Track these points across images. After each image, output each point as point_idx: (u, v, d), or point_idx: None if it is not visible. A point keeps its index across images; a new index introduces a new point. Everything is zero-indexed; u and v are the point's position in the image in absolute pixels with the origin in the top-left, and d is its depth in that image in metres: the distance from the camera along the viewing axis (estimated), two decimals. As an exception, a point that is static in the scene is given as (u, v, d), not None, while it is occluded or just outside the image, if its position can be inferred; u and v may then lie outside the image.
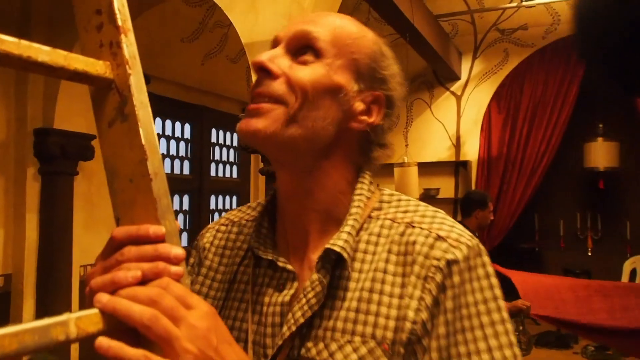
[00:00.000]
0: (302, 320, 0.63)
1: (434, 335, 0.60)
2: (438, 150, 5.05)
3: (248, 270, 0.72)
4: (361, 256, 0.66)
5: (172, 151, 4.52)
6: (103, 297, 0.47)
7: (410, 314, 0.60)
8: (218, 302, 0.71)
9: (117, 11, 0.56)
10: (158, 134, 4.36)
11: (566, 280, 3.68)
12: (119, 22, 0.56)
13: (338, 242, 0.64)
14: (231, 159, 5.22)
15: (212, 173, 4.90)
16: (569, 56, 4.33)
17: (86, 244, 3.56)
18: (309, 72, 0.65)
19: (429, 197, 4.96)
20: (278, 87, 0.64)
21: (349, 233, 0.65)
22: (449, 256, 0.61)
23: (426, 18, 3.85)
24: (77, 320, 0.43)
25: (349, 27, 0.69)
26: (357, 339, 0.61)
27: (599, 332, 2.83)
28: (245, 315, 0.69)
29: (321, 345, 0.62)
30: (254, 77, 2.20)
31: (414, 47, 3.96)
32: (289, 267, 0.68)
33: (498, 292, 0.62)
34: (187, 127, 4.65)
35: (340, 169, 0.69)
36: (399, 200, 0.71)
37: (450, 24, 4.70)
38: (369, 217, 0.69)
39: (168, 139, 4.48)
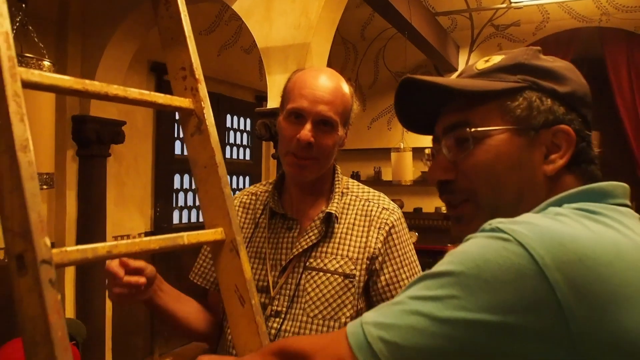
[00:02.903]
0: (306, 246, 1.12)
1: (385, 259, 1.11)
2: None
3: (265, 221, 1.20)
4: (343, 215, 1.16)
5: (191, 136, 4.94)
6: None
7: (371, 243, 1.11)
8: (245, 238, 1.16)
9: (195, 69, 0.98)
10: (178, 120, 4.79)
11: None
12: (197, 76, 0.98)
13: (332, 207, 1.14)
14: (244, 142, 5.65)
15: (227, 155, 5.32)
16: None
17: (117, 218, 3.99)
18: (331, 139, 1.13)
19: (425, 179, 5.36)
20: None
21: (337, 203, 1.15)
22: (391, 218, 1.14)
23: (424, 16, 4.20)
24: (186, 236, 0.86)
25: (347, 98, 1.14)
26: (339, 257, 1.11)
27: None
28: (264, 244, 1.16)
29: (318, 260, 1.12)
30: (266, 68, 2.60)
31: (413, 43, 4.33)
32: (294, 217, 1.17)
33: (406, 236, 1.17)
34: (205, 113, 5.05)
35: (328, 170, 1.19)
36: (358, 186, 1.23)
37: (449, 18, 5.04)
38: (342, 193, 1.18)
39: (187, 124, 4.89)
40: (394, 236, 1.14)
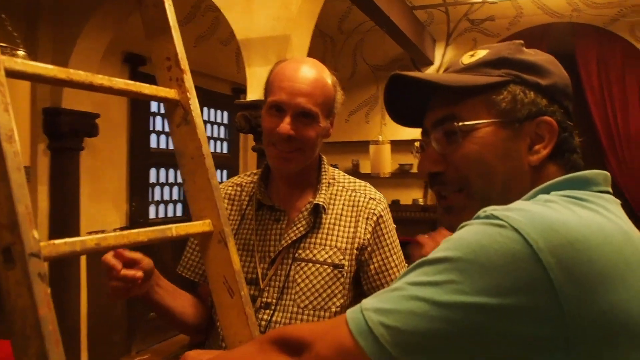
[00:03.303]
0: (294, 238, 1.13)
1: (374, 248, 1.13)
2: (412, 129, 5.47)
3: (251, 212, 1.20)
4: (329, 206, 1.16)
5: (167, 128, 4.88)
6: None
7: (360, 233, 1.12)
8: (232, 230, 1.14)
9: (180, 59, 0.96)
10: (154, 113, 4.72)
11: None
12: (182, 66, 0.96)
13: (320, 198, 1.14)
14: (222, 135, 5.60)
15: (204, 149, 5.26)
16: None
17: (91, 213, 3.91)
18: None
19: (403, 172, 5.41)
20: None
21: (324, 194, 1.16)
22: (378, 208, 1.15)
23: (401, 10, 4.22)
24: (175, 228, 0.85)
25: (329, 88, 1.13)
26: (327, 247, 1.11)
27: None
28: (251, 236, 1.16)
29: (307, 251, 1.12)
30: (245, 60, 2.57)
31: (391, 37, 4.35)
32: (282, 208, 1.17)
33: (392, 225, 1.19)
34: (181, 106, 4.98)
35: (314, 161, 1.19)
36: (344, 176, 1.24)
37: (426, 12, 5.07)
38: (328, 183, 1.18)
39: (163, 117, 4.83)
40: (382, 226, 1.16)
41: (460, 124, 0.67)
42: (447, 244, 0.56)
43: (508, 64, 0.69)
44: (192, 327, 1.21)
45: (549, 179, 0.65)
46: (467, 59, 0.73)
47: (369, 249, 1.14)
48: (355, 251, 1.12)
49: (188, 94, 0.95)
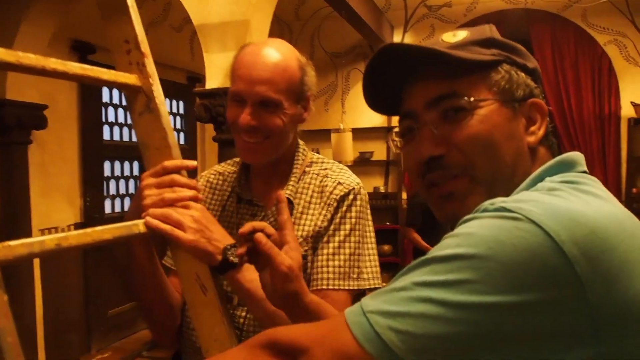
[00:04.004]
0: None
1: (330, 232, 1.06)
2: (372, 117, 5.47)
3: (233, 204, 1.14)
4: (299, 196, 1.10)
5: (121, 119, 4.70)
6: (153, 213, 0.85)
7: (319, 222, 1.06)
8: None
9: (140, 42, 0.90)
10: (106, 103, 4.54)
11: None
12: (143, 49, 0.90)
13: (287, 190, 1.09)
14: (178, 126, 5.45)
15: (160, 140, 5.10)
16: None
17: (43, 210, 3.74)
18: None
19: (364, 160, 5.42)
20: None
21: (292, 185, 1.10)
22: (341, 193, 1.08)
23: (360, -5, 4.19)
24: (141, 224, 0.79)
25: (291, 72, 1.05)
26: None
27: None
28: (232, 230, 1.09)
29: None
30: (203, 47, 2.48)
31: (350, 23, 4.31)
32: (260, 203, 1.12)
33: (356, 214, 1.09)
34: (134, 96, 4.80)
35: (291, 145, 1.13)
36: (322, 162, 1.17)
37: (383, -2, 5.06)
38: (304, 171, 1.13)
39: (115, 107, 4.65)
40: (343, 209, 1.07)
41: (471, 99, 0.63)
42: (455, 240, 0.51)
43: (496, 44, 0.67)
44: (174, 315, 1.12)
45: (542, 161, 0.64)
46: (450, 38, 0.69)
47: (324, 239, 1.05)
48: (310, 240, 1.05)
49: (150, 79, 0.88)
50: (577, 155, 0.64)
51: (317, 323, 0.57)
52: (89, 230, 0.70)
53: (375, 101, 0.76)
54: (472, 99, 0.63)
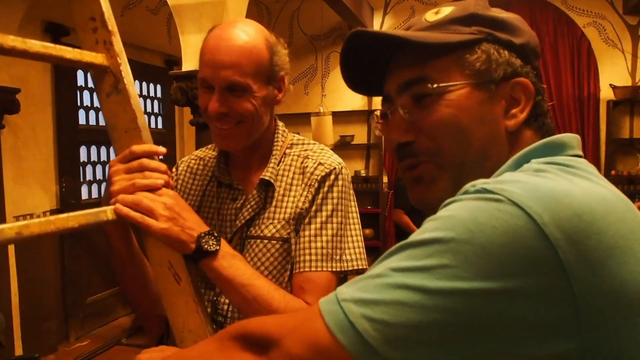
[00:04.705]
0: (248, 217, 1.06)
1: (311, 213, 1.04)
2: (352, 100, 5.45)
3: (213, 189, 1.12)
4: (280, 178, 1.08)
5: (97, 103, 4.59)
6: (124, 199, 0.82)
7: (300, 203, 1.04)
8: (193, 207, 1.05)
9: (107, 19, 0.85)
10: (81, 87, 4.42)
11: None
12: (110, 27, 0.85)
13: (267, 173, 1.06)
14: (155, 110, 5.35)
15: (138, 125, 5.01)
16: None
17: (17, 196, 3.65)
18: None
19: (344, 143, 5.39)
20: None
21: (272, 167, 1.07)
22: (323, 174, 1.05)
23: (339, -24, 4.13)
24: (109, 211, 0.76)
25: (258, 53, 1.00)
26: (275, 221, 1.04)
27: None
28: (213, 215, 1.09)
29: (257, 227, 1.05)
30: (179, 28, 2.42)
31: (329, 4, 4.25)
32: (240, 187, 1.09)
33: (338, 194, 1.06)
34: (110, 79, 4.69)
35: (269, 128, 1.10)
36: (303, 143, 1.14)
37: (363, -21, 5.00)
38: (284, 154, 1.11)
39: (91, 91, 4.54)
40: (324, 190, 1.04)
41: (435, 85, 0.61)
42: (434, 223, 0.49)
43: (479, 20, 0.63)
44: (157, 302, 1.08)
45: (526, 145, 0.60)
46: (431, 17, 0.66)
47: (307, 215, 1.04)
48: (292, 222, 1.04)
49: (118, 58, 0.84)
50: (568, 137, 0.60)
51: (292, 313, 0.55)
52: (52, 217, 0.66)
53: (357, 84, 0.73)
54: (435, 85, 0.61)
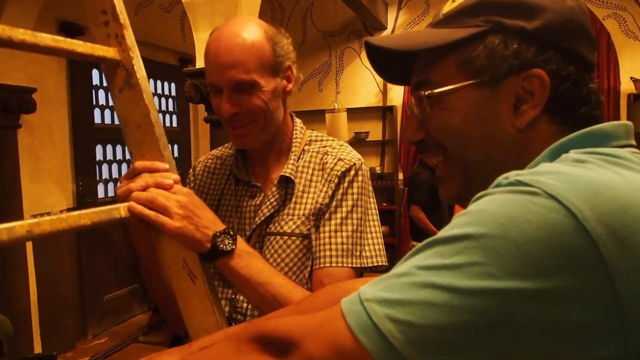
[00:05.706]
0: (267, 214, 1.04)
1: (331, 209, 1.03)
2: (367, 96, 5.41)
3: (231, 187, 1.11)
4: (300, 175, 1.07)
5: (112, 102, 4.61)
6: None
7: (320, 199, 1.03)
8: (211, 207, 1.04)
9: (119, 12, 0.83)
10: (96, 86, 4.44)
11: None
12: (122, 21, 0.83)
13: (287, 169, 1.05)
14: (170, 108, 5.36)
15: (152, 123, 5.03)
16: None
17: (34, 195, 3.68)
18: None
19: (359, 140, 5.35)
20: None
21: (292, 163, 1.07)
22: (343, 169, 1.04)
23: (353, -29, 4.09)
24: (122, 209, 0.74)
25: (259, 47, 0.98)
26: (295, 217, 1.03)
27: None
28: (232, 213, 1.08)
29: (277, 224, 1.04)
30: (192, 25, 2.41)
31: (342, 0, 4.22)
32: (258, 184, 1.08)
33: (358, 190, 1.05)
34: (125, 78, 4.72)
35: (285, 123, 1.09)
36: (322, 140, 1.13)
37: (377, -26, 4.95)
38: (303, 150, 1.10)
39: (107, 90, 4.56)
40: (344, 186, 1.03)
41: (427, 92, 0.60)
42: (464, 218, 0.46)
43: (488, 8, 0.58)
44: None
45: (545, 143, 0.55)
46: (447, 7, 0.63)
47: (326, 216, 1.03)
48: (312, 218, 1.03)
49: (130, 52, 0.82)
50: (613, 126, 0.54)
51: (312, 314, 0.52)
52: (63, 215, 0.65)
53: (390, 76, 0.73)
54: (434, 90, 0.60)
